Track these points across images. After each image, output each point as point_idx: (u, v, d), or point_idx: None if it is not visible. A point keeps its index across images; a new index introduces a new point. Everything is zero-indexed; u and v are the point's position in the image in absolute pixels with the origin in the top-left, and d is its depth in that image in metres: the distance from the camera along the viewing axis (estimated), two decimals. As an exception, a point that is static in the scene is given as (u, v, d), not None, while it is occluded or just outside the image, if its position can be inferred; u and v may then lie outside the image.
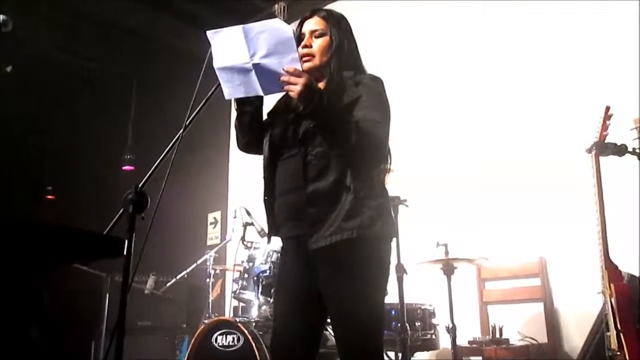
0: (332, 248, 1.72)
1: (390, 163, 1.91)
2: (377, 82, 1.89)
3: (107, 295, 4.08)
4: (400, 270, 2.92)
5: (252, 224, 3.53)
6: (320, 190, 1.75)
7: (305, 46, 1.89)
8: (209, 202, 6.08)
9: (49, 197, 5.01)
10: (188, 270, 4.06)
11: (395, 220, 2.87)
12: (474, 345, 3.37)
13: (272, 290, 3.13)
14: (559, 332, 3.48)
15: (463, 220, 3.86)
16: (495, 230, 3.74)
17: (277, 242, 1.99)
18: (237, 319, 3.17)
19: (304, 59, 1.84)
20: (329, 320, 1.86)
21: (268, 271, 3.21)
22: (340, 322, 1.77)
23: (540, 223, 3.58)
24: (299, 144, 1.82)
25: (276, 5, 5.22)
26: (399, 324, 2.90)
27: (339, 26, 1.95)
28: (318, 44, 1.91)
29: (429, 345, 3.29)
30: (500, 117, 3.94)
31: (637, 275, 2.70)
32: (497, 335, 3.35)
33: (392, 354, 3.21)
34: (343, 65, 1.91)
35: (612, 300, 2.49)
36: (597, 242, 2.60)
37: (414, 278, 3.05)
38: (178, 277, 4.12)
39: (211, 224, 6.08)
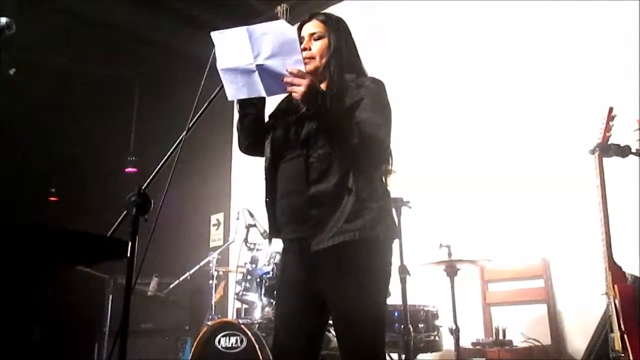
0: (335, 249, 1.72)
1: (392, 164, 1.91)
2: (378, 84, 1.89)
3: (110, 297, 4.09)
4: (403, 271, 2.92)
5: (255, 225, 3.53)
6: (322, 192, 1.76)
7: (305, 49, 1.89)
8: (212, 204, 6.08)
9: (53, 198, 5.03)
10: (191, 272, 4.06)
11: (398, 222, 2.89)
12: (477, 347, 3.36)
13: (274, 292, 3.12)
14: (563, 333, 3.47)
15: (466, 222, 3.85)
16: (499, 231, 3.74)
17: (280, 244, 1.98)
18: (240, 321, 3.17)
19: (304, 60, 1.85)
20: (331, 322, 1.86)
21: (271, 273, 3.21)
22: (342, 324, 1.77)
23: (543, 224, 3.58)
24: (301, 146, 1.82)
25: (279, 7, 5.22)
26: (402, 326, 2.89)
27: (337, 29, 1.96)
28: (317, 46, 1.92)
29: (432, 346, 3.28)
30: (503, 119, 3.94)
31: (641, 276, 2.69)
32: (501, 337, 3.34)
33: (395, 356, 3.21)
34: (343, 67, 1.91)
35: (616, 301, 2.48)
36: (601, 243, 2.59)
37: (417, 279, 3.04)
38: (181, 279, 4.12)
39: (214, 225, 6.08)
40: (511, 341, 3.34)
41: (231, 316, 4.31)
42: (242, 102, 1.90)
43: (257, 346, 2.93)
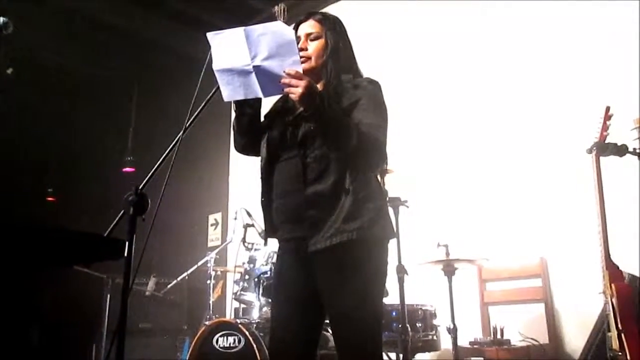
0: (332, 250, 1.73)
1: (387, 164, 1.92)
2: (375, 85, 1.90)
3: (108, 297, 4.08)
4: (401, 271, 2.92)
5: (252, 225, 3.53)
6: (319, 193, 1.76)
7: (301, 49, 1.89)
8: (210, 204, 6.08)
9: (50, 198, 5.02)
10: (189, 271, 4.06)
11: (395, 221, 2.90)
12: (475, 346, 3.36)
13: (272, 292, 3.12)
14: (560, 332, 3.48)
15: (464, 221, 3.86)
16: (496, 230, 3.74)
17: (277, 243, 1.99)
18: (238, 321, 3.17)
19: (300, 61, 1.85)
20: (328, 321, 1.86)
21: (269, 272, 3.21)
22: (339, 323, 1.77)
23: (541, 223, 3.58)
24: (298, 146, 1.82)
25: (276, 7, 5.22)
26: (399, 325, 2.90)
27: (334, 29, 1.96)
28: (314, 46, 1.92)
29: (430, 346, 3.29)
30: (500, 118, 3.94)
31: (638, 275, 2.69)
32: (498, 336, 3.35)
33: (393, 355, 3.21)
34: (339, 67, 1.92)
35: (613, 300, 2.49)
36: (598, 242, 2.59)
37: (414, 279, 3.05)
38: (179, 278, 4.12)
39: (212, 225, 6.08)
40: (509, 340, 3.34)
41: (229, 316, 4.31)
42: (239, 102, 1.90)
43: (254, 346, 2.93)
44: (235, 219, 3.68)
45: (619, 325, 2.44)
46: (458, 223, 3.85)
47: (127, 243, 1.43)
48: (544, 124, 3.70)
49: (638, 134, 2.72)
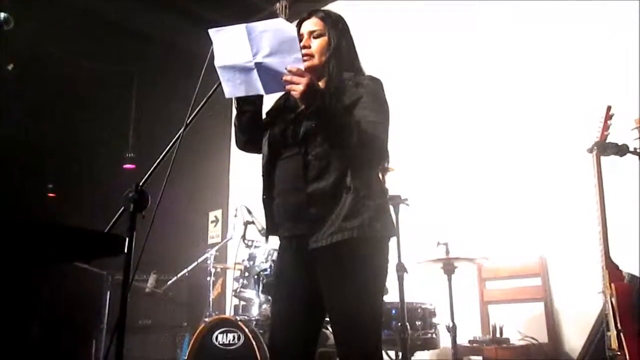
0: (332, 247, 1.73)
1: (389, 162, 1.91)
2: (376, 83, 1.89)
3: (108, 293, 4.09)
4: (401, 269, 2.92)
5: (253, 222, 3.52)
6: (320, 190, 1.76)
7: (304, 47, 1.89)
8: (210, 201, 6.08)
9: (50, 195, 5.01)
10: (189, 268, 4.06)
11: (396, 220, 2.89)
12: (474, 345, 3.37)
13: (272, 289, 3.13)
14: (560, 331, 3.48)
15: (464, 220, 3.86)
16: (496, 229, 3.74)
17: (277, 241, 1.99)
18: (238, 318, 3.17)
19: (303, 58, 1.84)
20: (328, 319, 1.87)
21: (269, 270, 3.21)
22: (339, 321, 1.77)
23: (541, 223, 3.58)
24: (299, 144, 1.82)
25: (277, 4, 5.21)
26: (399, 323, 2.90)
27: (337, 27, 1.96)
28: (316, 44, 1.92)
29: (430, 344, 3.29)
30: (501, 117, 3.94)
31: (637, 275, 2.69)
32: (498, 335, 3.35)
33: (392, 353, 3.22)
34: (342, 65, 1.91)
35: (613, 300, 2.49)
36: (598, 241, 2.59)
37: (414, 277, 3.05)
38: (179, 275, 4.12)
39: (212, 222, 6.08)
40: (508, 339, 3.35)
41: (229, 313, 4.32)
42: (240, 99, 1.90)
43: (254, 343, 2.93)
44: (236, 216, 3.68)
45: (618, 325, 2.44)
46: (458, 222, 3.85)
47: (127, 240, 1.43)
48: (544, 123, 3.70)
49: (639, 134, 2.72)
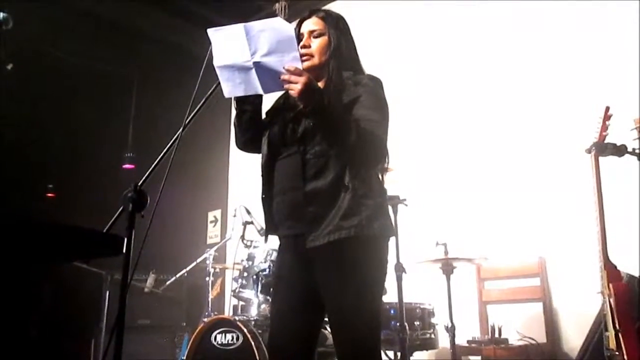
0: (330, 247, 1.72)
1: (388, 162, 1.92)
2: (375, 82, 1.89)
3: (107, 293, 4.09)
4: (400, 269, 2.93)
5: (251, 222, 3.53)
6: (318, 189, 1.76)
7: (304, 46, 1.89)
8: (209, 201, 6.08)
9: (50, 195, 5.01)
10: (188, 268, 4.06)
11: (394, 220, 2.90)
12: (473, 345, 3.38)
13: (271, 289, 3.13)
14: (558, 332, 3.49)
15: (462, 220, 3.86)
16: (495, 229, 3.75)
17: (276, 241, 1.99)
18: (237, 318, 3.17)
19: (303, 58, 1.84)
20: (327, 319, 1.87)
21: (267, 270, 3.21)
22: (337, 321, 1.77)
23: (539, 223, 3.59)
24: (298, 143, 1.82)
25: (277, 4, 5.22)
26: (398, 323, 2.90)
27: (337, 26, 1.96)
28: (317, 44, 1.92)
29: (428, 344, 3.29)
30: (500, 117, 3.95)
31: (636, 275, 2.70)
32: (496, 335, 3.36)
33: (391, 353, 3.22)
34: (342, 65, 1.91)
35: (611, 300, 2.50)
36: (597, 242, 2.60)
37: (413, 277, 3.06)
38: (178, 275, 4.12)
39: (211, 222, 6.08)
40: (507, 339, 3.35)
41: (228, 313, 4.32)
42: (239, 99, 1.90)
43: (253, 343, 2.93)
44: (235, 216, 3.68)
45: (617, 325, 2.45)
46: (457, 222, 3.85)
47: (126, 239, 1.43)
48: (543, 123, 3.70)
49: (637, 134, 2.72)
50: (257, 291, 3.23)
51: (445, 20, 4.39)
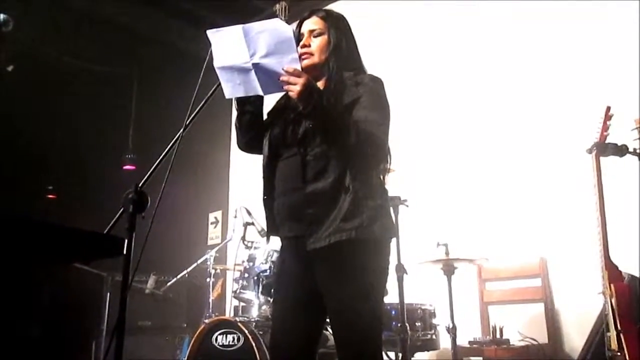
0: (331, 248, 1.72)
1: (390, 163, 1.91)
2: (377, 82, 1.89)
3: (108, 294, 4.08)
4: (401, 270, 2.92)
5: (252, 223, 3.53)
6: (319, 191, 1.75)
7: (304, 46, 1.89)
8: (210, 202, 6.08)
9: (50, 196, 5.01)
10: (189, 269, 4.06)
11: (395, 220, 2.89)
12: (474, 346, 3.37)
13: (272, 290, 3.13)
14: (560, 332, 3.48)
15: (464, 221, 3.86)
16: (496, 230, 3.74)
17: (277, 242, 1.99)
18: (238, 319, 3.17)
19: (302, 56, 1.84)
20: (328, 320, 1.86)
21: (268, 271, 3.21)
22: (339, 322, 1.77)
23: (540, 223, 3.58)
24: (298, 144, 1.82)
25: (277, 5, 5.22)
26: (399, 324, 2.89)
27: (337, 26, 1.96)
28: (316, 43, 1.92)
29: (429, 345, 3.29)
30: (501, 118, 3.94)
31: (637, 275, 2.69)
32: (498, 336, 3.35)
33: (392, 354, 3.21)
34: (342, 64, 1.91)
35: (613, 300, 2.49)
36: (598, 242, 2.60)
37: (414, 278, 3.05)
38: (179, 276, 4.12)
39: (212, 223, 6.08)
40: (508, 340, 3.34)
41: (228, 314, 4.31)
42: (240, 100, 1.90)
43: (254, 344, 2.93)
44: (235, 217, 3.68)
45: (618, 326, 2.44)
46: (458, 222, 3.85)
47: (126, 241, 1.43)
48: (544, 123, 3.70)
49: (638, 134, 2.72)
50: (258, 292, 3.22)
51: (446, 21, 4.39)
